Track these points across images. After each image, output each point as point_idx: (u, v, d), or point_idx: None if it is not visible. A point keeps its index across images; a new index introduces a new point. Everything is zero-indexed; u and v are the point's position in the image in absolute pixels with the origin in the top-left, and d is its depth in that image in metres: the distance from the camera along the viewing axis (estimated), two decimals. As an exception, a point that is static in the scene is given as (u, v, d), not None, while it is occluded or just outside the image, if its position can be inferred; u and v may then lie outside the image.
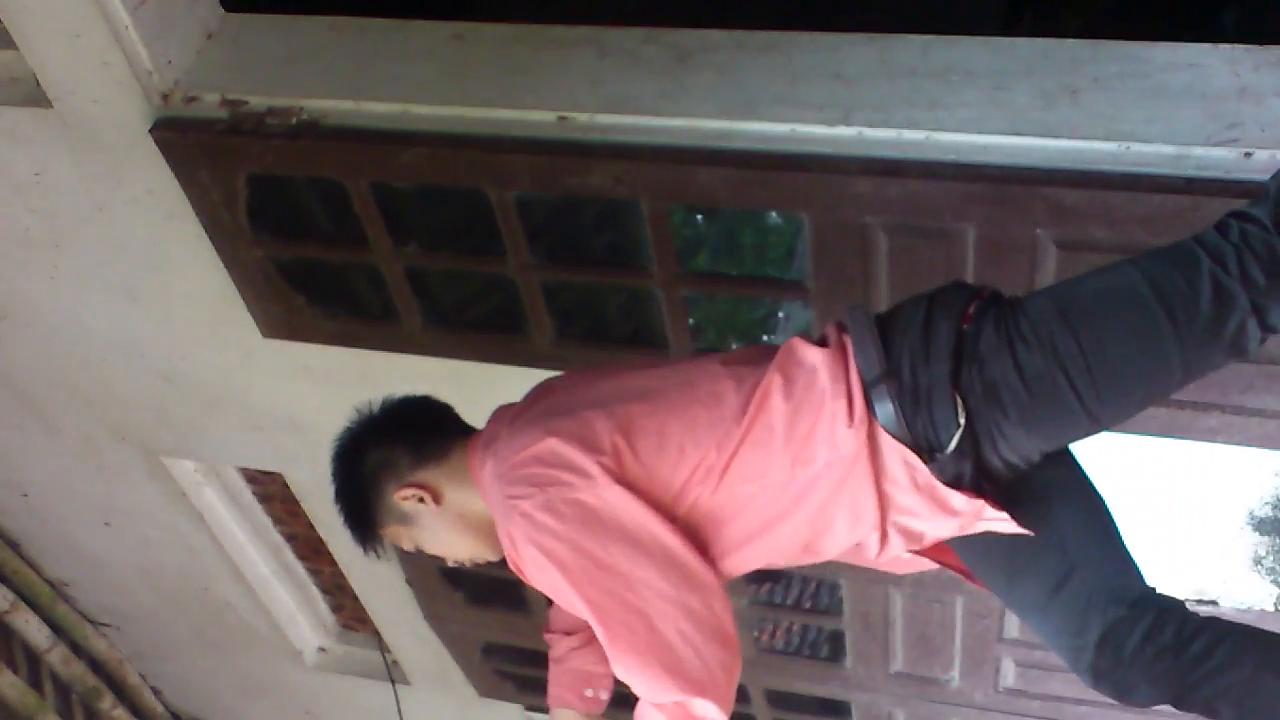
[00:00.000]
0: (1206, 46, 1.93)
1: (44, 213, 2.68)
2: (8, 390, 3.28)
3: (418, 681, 4.22)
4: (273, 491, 3.75)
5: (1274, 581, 2.59)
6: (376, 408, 1.70)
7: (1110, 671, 1.47)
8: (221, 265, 2.62)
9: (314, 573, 4.14)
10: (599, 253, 2.56)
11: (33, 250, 2.79)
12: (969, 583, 1.60)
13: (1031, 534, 1.42)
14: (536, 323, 2.52)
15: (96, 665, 4.41)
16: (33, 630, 4.10)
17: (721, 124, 2.07)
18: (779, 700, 3.71)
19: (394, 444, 1.63)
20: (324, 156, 2.33)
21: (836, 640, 3.46)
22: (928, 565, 1.64)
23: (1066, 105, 1.93)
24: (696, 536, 1.47)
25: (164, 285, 2.78)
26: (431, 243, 2.53)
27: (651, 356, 2.52)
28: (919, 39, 2.05)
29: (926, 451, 1.40)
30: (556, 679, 1.80)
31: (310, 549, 3.98)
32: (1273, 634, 1.57)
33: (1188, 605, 1.55)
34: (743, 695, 3.77)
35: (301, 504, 3.52)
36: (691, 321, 2.49)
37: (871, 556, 1.52)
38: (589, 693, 1.76)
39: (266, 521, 3.90)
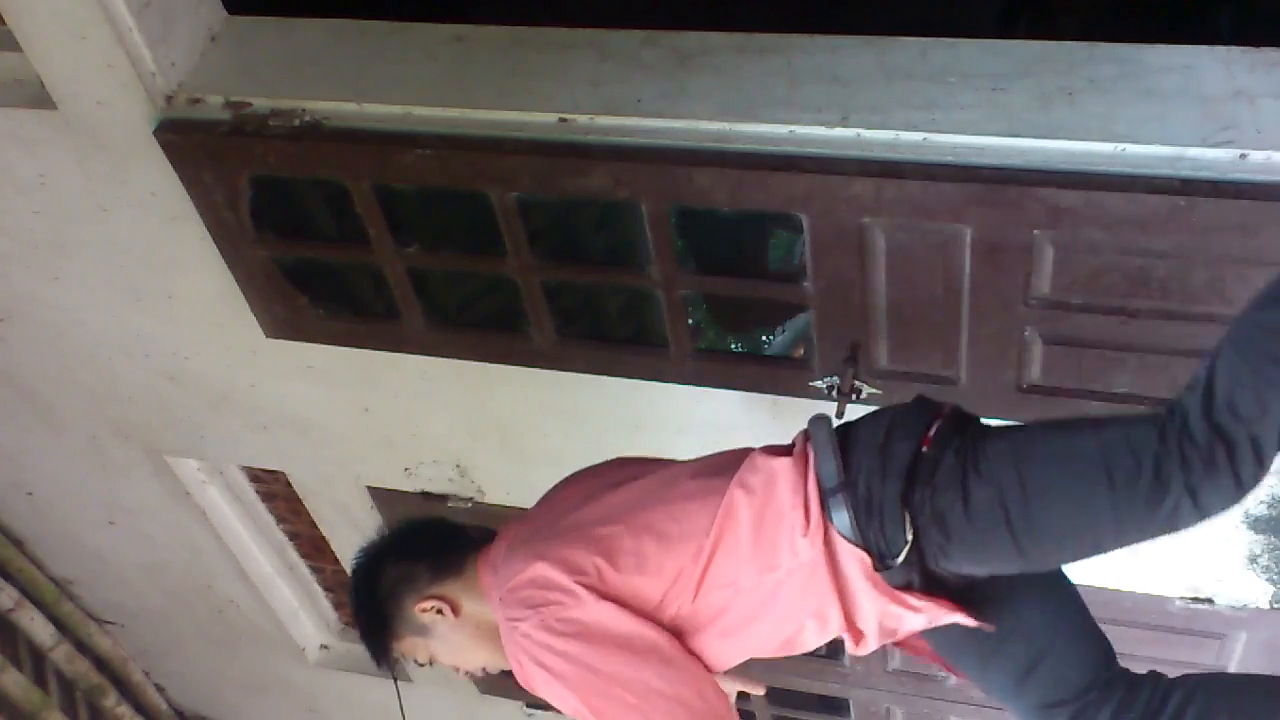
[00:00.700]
0: (1202, 48, 1.94)
1: (48, 214, 2.69)
2: (12, 390, 3.30)
3: (420, 679, 4.23)
4: (276, 490, 3.77)
5: (1269, 580, 2.61)
6: (393, 529, 1.82)
7: None
8: (225, 266, 2.64)
9: (316, 571, 4.15)
10: (599, 253, 2.57)
11: (37, 251, 2.80)
12: (947, 671, 1.68)
13: (992, 629, 1.52)
14: (537, 323, 2.54)
15: (100, 663, 4.43)
16: (37, 628, 4.12)
17: (721, 125, 2.09)
18: (778, 698, 3.72)
19: (414, 560, 1.73)
20: (327, 158, 2.34)
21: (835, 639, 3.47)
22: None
23: (1063, 107, 1.94)
24: (680, 639, 1.57)
25: (167, 286, 2.79)
26: (433, 243, 2.54)
27: (652, 356, 2.53)
28: (916, 41, 2.06)
29: (878, 558, 1.51)
30: None
31: (313, 547, 4.00)
32: (1243, 678, 1.63)
33: (1158, 673, 1.62)
34: (741, 693, 3.78)
35: (304, 503, 3.54)
36: (691, 322, 2.50)
37: (852, 650, 1.62)
38: None
39: (269, 520, 3.91)
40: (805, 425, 1.66)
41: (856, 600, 1.53)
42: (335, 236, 2.60)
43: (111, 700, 4.43)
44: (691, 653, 1.57)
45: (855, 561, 1.49)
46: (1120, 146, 1.89)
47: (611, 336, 2.71)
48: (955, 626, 1.55)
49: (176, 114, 2.37)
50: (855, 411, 2.36)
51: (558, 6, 2.51)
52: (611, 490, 1.72)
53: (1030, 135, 1.94)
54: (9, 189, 2.66)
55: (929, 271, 2.14)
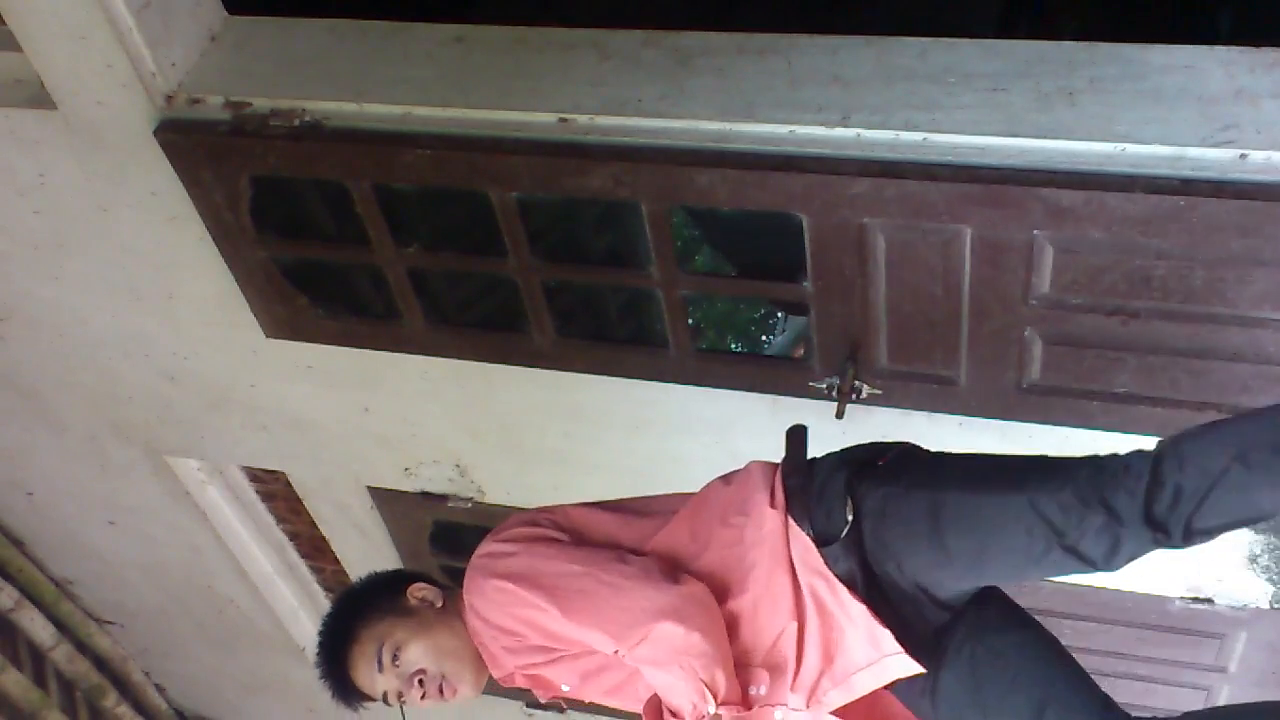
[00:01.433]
0: (1202, 49, 1.94)
1: (48, 214, 2.70)
2: (12, 390, 3.30)
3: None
4: (275, 490, 3.77)
5: (1269, 580, 2.61)
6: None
7: None
8: (225, 266, 2.64)
9: (316, 570, 4.15)
10: (599, 253, 2.57)
11: (37, 251, 2.80)
12: None
13: (922, 670, 1.57)
14: (537, 323, 2.54)
15: (100, 663, 4.43)
16: (37, 628, 4.12)
17: (721, 126, 2.09)
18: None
19: (412, 573, 1.83)
20: (327, 158, 2.34)
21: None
22: None
23: (1063, 107, 1.94)
24: None
25: (167, 286, 2.79)
26: (433, 243, 2.55)
27: (652, 356, 2.54)
28: (916, 41, 2.06)
29: (821, 539, 1.59)
30: None
31: (313, 547, 4.00)
32: (1236, 709, 1.66)
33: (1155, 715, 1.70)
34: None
35: (304, 503, 3.54)
36: (691, 321, 2.51)
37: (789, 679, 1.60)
38: None
39: (269, 520, 3.91)
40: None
41: (803, 583, 1.57)
42: (335, 237, 2.60)
43: (111, 700, 4.43)
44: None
45: (802, 539, 1.58)
46: (1120, 146, 1.90)
47: (611, 336, 2.71)
48: (956, 692, 1.60)
49: (176, 114, 2.37)
50: (854, 413, 2.36)
51: (558, 6, 2.51)
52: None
53: (1030, 135, 1.94)
54: (9, 189, 2.66)
55: (929, 271, 2.14)
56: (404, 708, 1.73)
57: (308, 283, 2.69)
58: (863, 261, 2.16)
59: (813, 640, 1.57)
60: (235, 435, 3.20)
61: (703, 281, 2.45)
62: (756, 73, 2.11)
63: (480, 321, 2.73)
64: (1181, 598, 2.75)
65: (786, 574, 1.57)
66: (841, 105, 2.03)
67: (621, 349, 2.61)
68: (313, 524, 3.65)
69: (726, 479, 1.73)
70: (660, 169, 2.13)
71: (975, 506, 1.53)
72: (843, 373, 2.32)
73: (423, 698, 1.69)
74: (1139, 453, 1.51)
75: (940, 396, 2.34)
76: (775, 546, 1.58)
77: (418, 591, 1.74)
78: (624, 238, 2.43)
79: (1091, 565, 1.54)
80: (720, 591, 1.61)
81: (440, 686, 1.69)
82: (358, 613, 1.73)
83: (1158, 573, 2.69)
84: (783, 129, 2.05)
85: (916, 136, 1.98)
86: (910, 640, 1.56)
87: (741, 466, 1.74)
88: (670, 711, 1.56)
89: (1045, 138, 1.93)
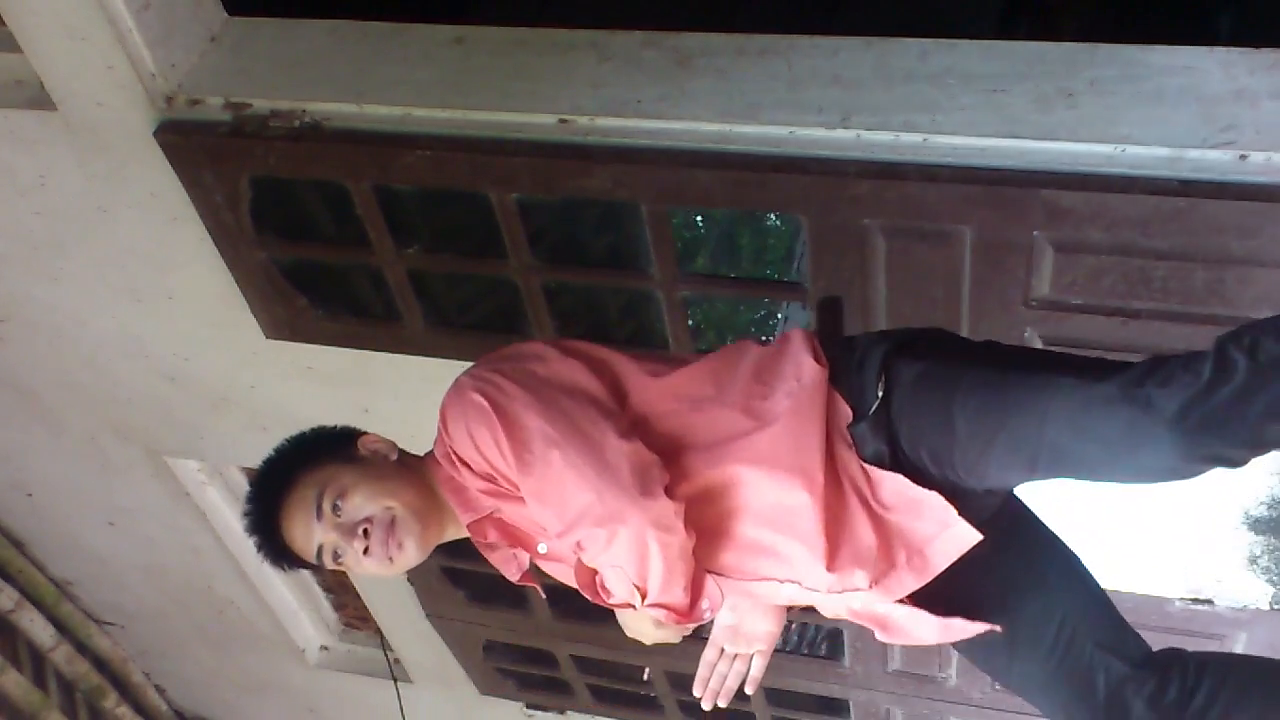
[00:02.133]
0: (1202, 50, 1.94)
1: (48, 215, 2.70)
2: (12, 391, 3.30)
3: (419, 679, 4.23)
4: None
5: (1269, 581, 2.61)
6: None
7: None
8: (225, 267, 2.64)
9: (316, 572, 4.15)
10: (599, 254, 2.58)
11: (37, 252, 2.80)
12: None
13: (978, 536, 1.44)
14: (537, 324, 2.54)
15: (100, 664, 4.43)
16: (37, 629, 4.12)
17: (721, 127, 2.09)
18: (778, 698, 3.72)
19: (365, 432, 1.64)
20: (326, 159, 2.34)
21: (835, 638, 3.47)
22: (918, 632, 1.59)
23: (1063, 108, 1.94)
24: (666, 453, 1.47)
25: (167, 286, 2.79)
26: (433, 244, 2.55)
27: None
28: (917, 42, 2.06)
29: (854, 412, 1.47)
30: None
31: (313, 548, 4.00)
32: (1272, 664, 1.59)
33: (1186, 651, 1.59)
34: (741, 693, 3.78)
35: (304, 503, 3.53)
36: (691, 323, 2.50)
37: (827, 576, 1.47)
38: None
39: (269, 521, 3.91)
40: None
41: (835, 448, 1.44)
42: (335, 237, 2.60)
43: (111, 701, 4.43)
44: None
45: (839, 403, 1.46)
46: (1120, 147, 1.90)
47: (611, 337, 2.71)
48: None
49: (176, 115, 2.37)
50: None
51: (558, 7, 2.51)
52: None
53: (1030, 136, 1.94)
54: (9, 190, 2.66)
55: (929, 271, 2.14)
56: (338, 568, 1.55)
57: (308, 284, 2.69)
58: (863, 262, 2.16)
59: (854, 515, 1.43)
60: (235, 436, 3.20)
61: (702, 283, 2.45)
62: (756, 74, 2.11)
63: (480, 322, 2.73)
64: (1181, 598, 2.75)
65: (818, 433, 1.43)
66: (842, 106, 2.03)
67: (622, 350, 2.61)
68: (312, 525, 3.65)
69: (761, 341, 1.57)
70: (660, 170, 2.13)
71: (1000, 386, 1.40)
72: (843, 373, 2.32)
73: (365, 552, 1.50)
74: (1197, 355, 1.33)
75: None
76: (813, 401, 1.44)
77: (371, 443, 1.57)
78: (624, 239, 2.43)
79: (1111, 467, 1.37)
80: (728, 444, 1.46)
81: (385, 539, 1.49)
82: (300, 457, 1.55)
83: (1158, 573, 2.69)
84: (783, 130, 2.05)
85: (916, 138, 1.99)
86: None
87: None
88: (602, 587, 1.47)
89: (1045, 139, 1.93)
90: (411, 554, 1.52)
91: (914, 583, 1.45)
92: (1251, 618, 2.72)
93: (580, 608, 3.66)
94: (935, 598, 1.49)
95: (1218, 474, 1.35)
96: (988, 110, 1.97)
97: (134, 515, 3.73)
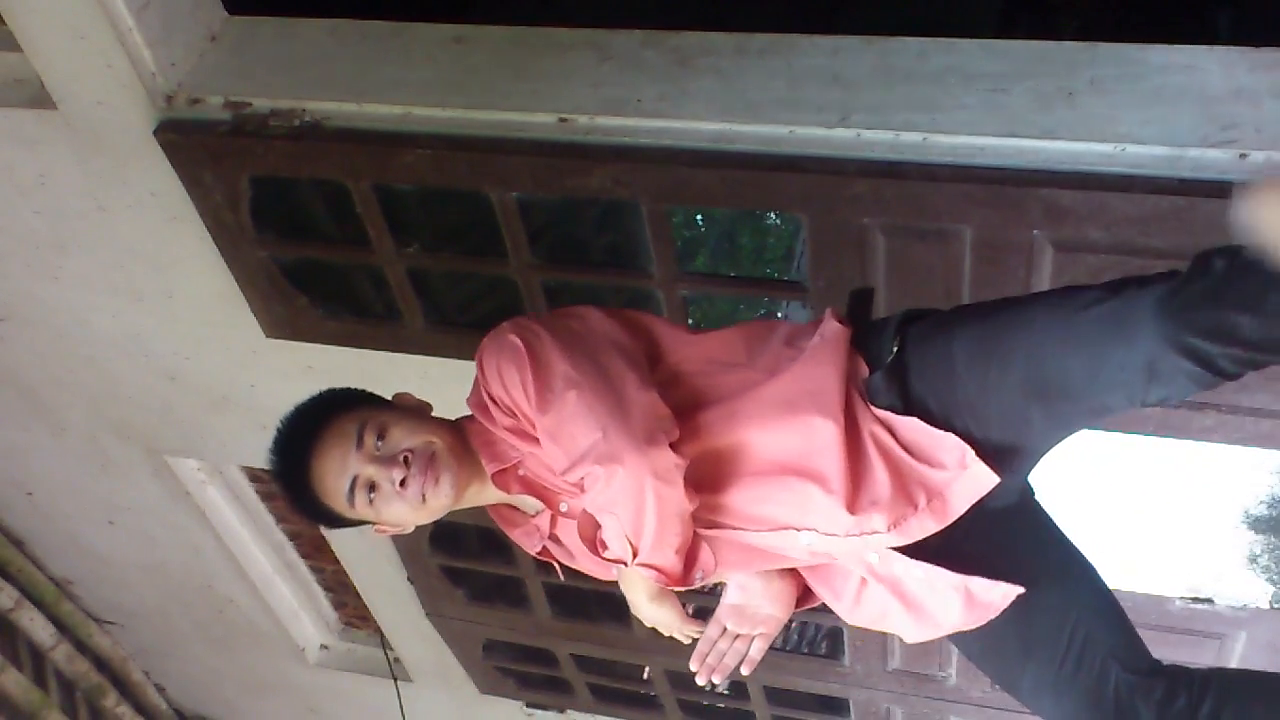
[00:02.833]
0: (1202, 48, 1.94)
1: (48, 214, 2.70)
2: (13, 390, 3.30)
3: (419, 678, 4.24)
4: (276, 490, 3.76)
5: (1269, 579, 2.61)
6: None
7: None
8: (225, 266, 2.64)
9: (316, 571, 4.15)
10: (599, 253, 2.57)
11: (37, 251, 2.81)
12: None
13: (994, 475, 1.44)
14: (537, 323, 2.54)
15: (100, 663, 4.43)
16: (37, 628, 4.13)
17: (721, 126, 2.09)
18: (778, 697, 3.73)
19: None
20: (326, 158, 2.34)
21: (835, 637, 3.48)
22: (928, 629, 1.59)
23: (1063, 107, 1.94)
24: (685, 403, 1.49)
25: (167, 286, 2.79)
26: (433, 243, 2.55)
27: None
28: (916, 42, 2.06)
29: (870, 368, 1.50)
30: None
31: (313, 547, 4.00)
32: (1275, 679, 1.60)
33: (1189, 673, 1.59)
34: (741, 692, 3.79)
35: (304, 502, 3.53)
36: (691, 321, 2.51)
37: (850, 519, 1.46)
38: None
39: (269, 520, 3.92)
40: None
41: (853, 399, 1.46)
42: (335, 237, 2.60)
43: (111, 700, 4.43)
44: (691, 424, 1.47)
45: (860, 361, 1.49)
46: (1120, 147, 1.90)
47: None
48: (1002, 619, 1.50)
49: (176, 114, 2.37)
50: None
51: (558, 7, 2.51)
52: None
53: (1030, 135, 1.94)
54: (9, 189, 2.66)
55: (929, 271, 2.14)
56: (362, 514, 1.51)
57: (308, 283, 2.69)
58: (862, 261, 2.16)
59: (872, 460, 1.43)
60: (235, 435, 3.20)
61: (703, 281, 2.45)
62: (756, 73, 2.11)
63: (480, 322, 2.73)
64: (1181, 598, 2.75)
65: (837, 377, 1.45)
66: (841, 106, 2.03)
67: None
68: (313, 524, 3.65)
69: (789, 322, 1.64)
70: (660, 169, 2.13)
71: (990, 317, 1.44)
72: (843, 373, 2.33)
73: (402, 483, 1.47)
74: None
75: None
76: (833, 350, 1.47)
77: (407, 399, 1.60)
78: (624, 238, 2.43)
79: (1121, 395, 1.35)
80: (749, 392, 1.47)
81: (425, 470, 1.48)
82: (336, 399, 1.55)
83: (1158, 573, 2.69)
84: (783, 129, 2.05)
85: (916, 137, 1.99)
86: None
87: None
88: (600, 541, 1.48)
89: (1045, 138, 1.93)
90: (445, 494, 1.52)
91: (934, 524, 1.45)
92: (1251, 616, 2.72)
93: (581, 607, 3.68)
94: (953, 561, 1.49)
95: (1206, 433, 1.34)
96: (987, 109, 1.97)
97: (134, 514, 3.73)
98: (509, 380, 1.46)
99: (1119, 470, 2.46)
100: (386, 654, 4.14)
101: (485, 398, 1.52)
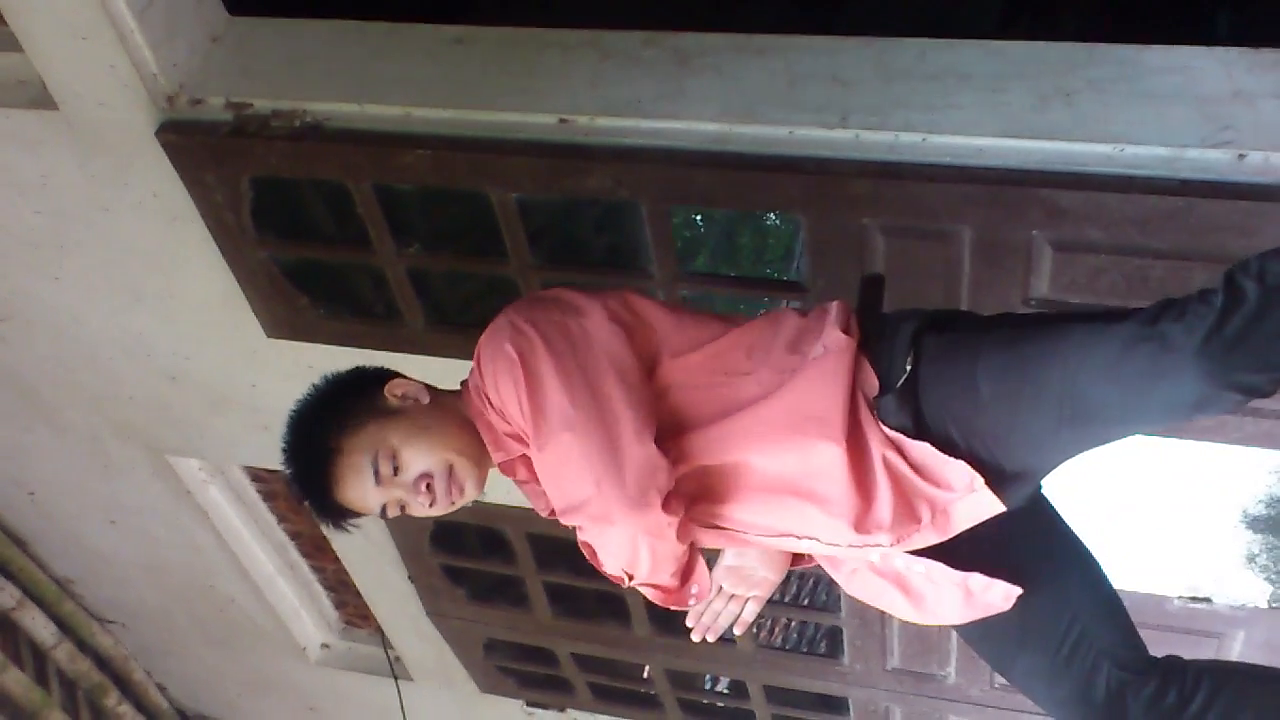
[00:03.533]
0: (1200, 49, 1.95)
1: (50, 214, 2.70)
2: (14, 390, 3.31)
3: (420, 677, 4.24)
4: (277, 490, 3.77)
5: (1268, 579, 2.61)
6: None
7: None
8: (226, 266, 2.64)
9: (317, 570, 4.16)
10: (599, 254, 2.58)
11: (39, 251, 2.81)
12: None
13: (1002, 509, 1.44)
14: (538, 323, 2.54)
15: (102, 662, 4.44)
16: (39, 627, 4.13)
17: (720, 126, 2.09)
18: (777, 696, 3.73)
19: (380, 371, 1.64)
20: (327, 159, 2.35)
21: (834, 636, 3.48)
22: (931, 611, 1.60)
23: (1062, 108, 1.95)
24: (675, 415, 1.48)
25: (169, 286, 2.80)
26: (433, 244, 2.55)
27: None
28: (915, 42, 2.07)
29: (882, 385, 1.47)
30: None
31: (314, 546, 4.01)
32: (1269, 671, 1.61)
33: (1182, 662, 1.60)
34: (741, 691, 3.79)
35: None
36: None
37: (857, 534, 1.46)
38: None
39: (271, 519, 3.92)
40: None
41: (859, 411, 1.44)
42: (336, 237, 2.60)
43: (113, 699, 4.44)
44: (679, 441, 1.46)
45: (868, 369, 1.46)
46: (1119, 147, 1.90)
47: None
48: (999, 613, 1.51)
49: (178, 115, 2.38)
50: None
51: (558, 7, 2.51)
52: None
53: (1029, 136, 1.94)
54: (11, 189, 2.66)
55: (928, 271, 2.14)
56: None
57: (308, 283, 2.69)
58: (862, 262, 2.16)
59: (879, 478, 1.42)
60: (236, 435, 3.21)
61: (702, 281, 2.45)
62: (756, 73, 2.11)
63: (480, 322, 2.72)
64: (1180, 597, 2.75)
65: (842, 396, 1.42)
66: (841, 106, 2.03)
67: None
68: (314, 523, 3.65)
69: (802, 310, 1.58)
70: (660, 169, 2.14)
71: (1018, 343, 1.42)
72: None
73: (430, 505, 1.50)
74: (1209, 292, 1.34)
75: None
76: (838, 366, 1.43)
77: (397, 389, 1.54)
78: (624, 238, 2.43)
79: (1140, 415, 1.35)
80: (751, 410, 1.45)
81: (448, 489, 1.50)
82: (333, 424, 1.52)
83: (1157, 572, 2.69)
84: (782, 130, 2.06)
85: (915, 137, 1.99)
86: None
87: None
88: (595, 556, 1.51)
89: (1044, 139, 1.94)
90: (472, 492, 1.54)
91: (935, 538, 1.46)
92: (1250, 616, 2.73)
93: (581, 606, 3.68)
94: (954, 559, 1.49)
95: (1244, 405, 1.33)
96: (986, 110, 1.98)
97: (135, 514, 3.74)
98: (505, 396, 1.46)
99: (1118, 470, 2.46)
100: (387, 653, 4.14)
101: (485, 397, 1.52)
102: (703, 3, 2.63)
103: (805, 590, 3.84)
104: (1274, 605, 2.66)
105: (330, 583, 4.22)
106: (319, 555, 4.04)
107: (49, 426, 3.42)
